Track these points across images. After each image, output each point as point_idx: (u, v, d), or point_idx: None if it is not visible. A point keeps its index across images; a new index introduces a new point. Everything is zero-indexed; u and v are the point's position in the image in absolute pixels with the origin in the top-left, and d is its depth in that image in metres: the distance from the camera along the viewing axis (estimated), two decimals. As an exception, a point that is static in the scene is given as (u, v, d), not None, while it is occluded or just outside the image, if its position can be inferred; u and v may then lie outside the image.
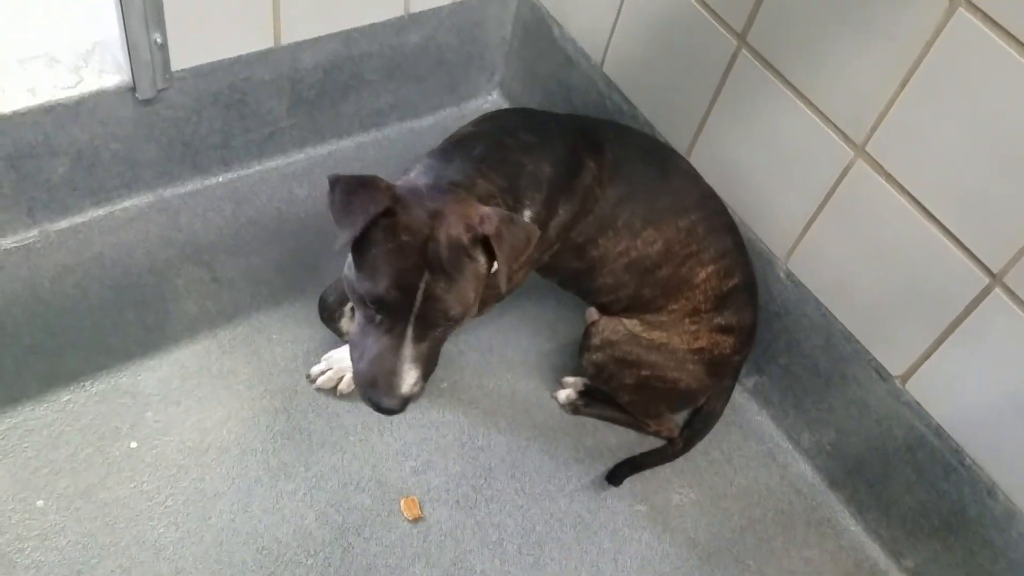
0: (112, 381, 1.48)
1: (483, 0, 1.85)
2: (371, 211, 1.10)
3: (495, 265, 1.17)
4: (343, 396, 1.54)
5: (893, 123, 1.29)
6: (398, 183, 1.23)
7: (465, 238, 1.14)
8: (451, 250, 1.13)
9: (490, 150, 1.32)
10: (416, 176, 1.27)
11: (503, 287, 1.16)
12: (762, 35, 1.43)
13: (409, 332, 1.15)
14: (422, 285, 1.12)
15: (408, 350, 1.16)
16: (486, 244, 1.16)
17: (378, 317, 1.16)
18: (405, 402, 1.18)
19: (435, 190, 1.20)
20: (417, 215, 1.13)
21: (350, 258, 1.18)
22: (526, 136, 1.36)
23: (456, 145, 1.34)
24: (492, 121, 1.43)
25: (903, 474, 1.48)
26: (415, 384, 1.18)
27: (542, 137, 1.37)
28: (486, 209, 1.16)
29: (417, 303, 1.13)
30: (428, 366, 1.20)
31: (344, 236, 1.12)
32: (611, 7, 1.68)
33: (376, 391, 1.16)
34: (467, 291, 1.16)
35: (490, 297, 1.35)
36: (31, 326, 1.51)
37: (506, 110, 1.56)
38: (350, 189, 1.14)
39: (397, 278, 1.12)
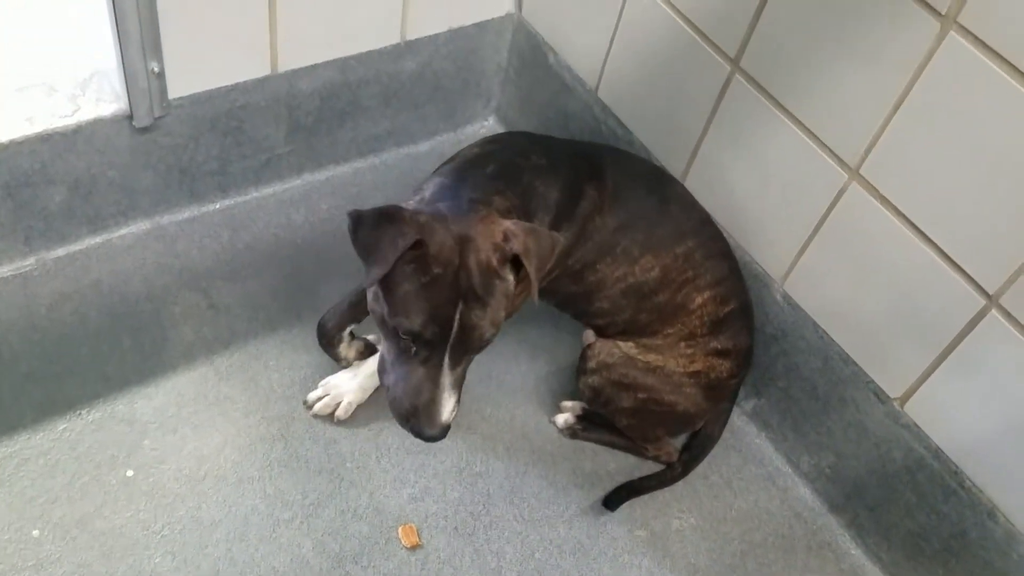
0: (108, 409, 1.47)
1: (479, 27, 1.87)
2: (400, 245, 1.09)
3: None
4: (340, 422, 1.53)
5: (887, 146, 1.30)
6: (411, 203, 1.23)
7: (495, 260, 1.14)
8: (483, 276, 1.13)
9: (504, 169, 1.32)
10: (432, 196, 1.26)
11: (535, 298, 1.17)
12: (755, 60, 1.44)
13: (446, 361, 1.15)
14: (457, 316, 1.12)
15: (446, 379, 1.16)
16: (514, 261, 1.16)
17: (412, 348, 1.16)
18: (446, 430, 1.19)
19: (456, 210, 1.20)
20: (445, 243, 1.12)
21: (375, 288, 1.17)
22: (537, 159, 1.37)
23: (468, 164, 1.34)
24: (499, 143, 1.43)
25: (903, 497, 1.47)
26: (453, 409, 1.19)
27: (551, 161, 1.38)
28: (509, 224, 1.16)
29: (454, 334, 1.13)
30: (462, 383, 1.21)
31: (375, 273, 1.10)
32: (605, 34, 1.69)
33: (418, 422, 1.18)
34: (499, 312, 1.16)
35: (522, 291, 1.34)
36: (28, 354, 1.50)
37: (510, 133, 1.57)
38: (375, 223, 1.12)
39: (433, 313, 1.12)
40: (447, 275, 1.11)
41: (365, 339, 1.58)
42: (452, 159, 1.40)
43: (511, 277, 1.18)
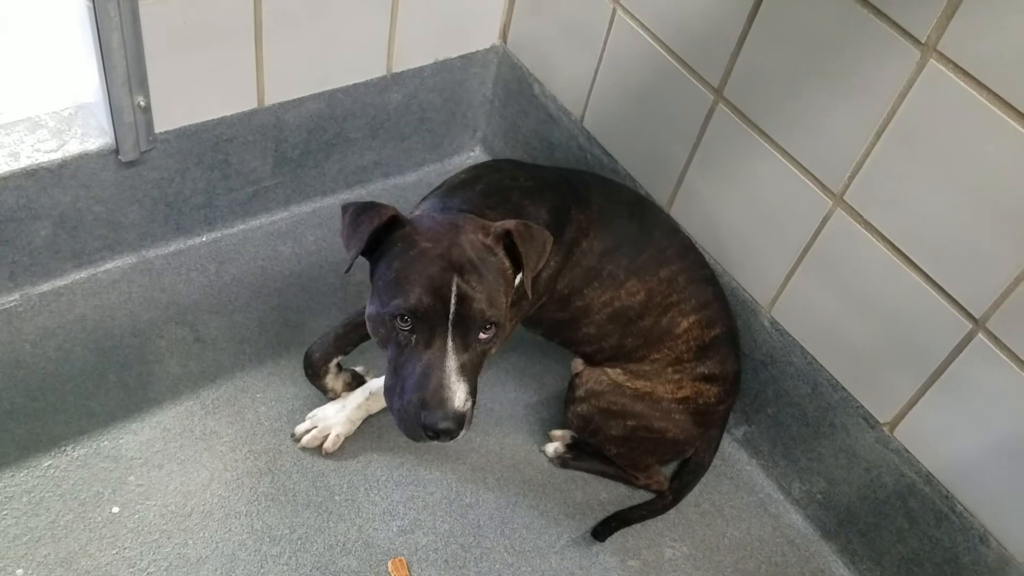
0: (94, 445, 1.46)
1: (465, 59, 1.88)
2: (374, 222, 1.11)
3: (518, 279, 1.18)
4: (328, 455, 1.52)
5: (870, 172, 1.31)
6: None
7: (487, 238, 1.15)
8: (475, 249, 1.13)
9: (493, 189, 1.33)
10: (423, 211, 1.28)
11: (529, 292, 1.16)
12: (738, 89, 1.45)
13: (449, 343, 1.10)
14: (454, 287, 1.09)
15: (452, 361, 1.10)
16: (507, 251, 1.17)
17: (413, 338, 1.11)
18: (461, 420, 1.10)
19: (447, 214, 1.22)
20: (433, 228, 1.14)
21: (370, 301, 1.17)
22: (525, 181, 1.38)
23: (458, 186, 1.35)
24: (486, 167, 1.45)
25: (895, 522, 1.47)
26: (466, 400, 1.11)
27: (538, 184, 1.39)
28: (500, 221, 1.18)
29: (452, 307, 1.09)
30: (474, 383, 1.14)
31: (352, 252, 1.12)
32: (590, 64, 1.71)
33: (428, 413, 1.08)
34: (497, 290, 1.13)
35: (512, 316, 1.32)
36: (12, 390, 1.49)
37: (495, 159, 1.58)
38: (357, 211, 1.15)
39: (427, 284, 1.09)
40: (437, 248, 1.11)
41: (352, 370, 1.57)
42: (440, 186, 1.41)
43: (507, 260, 1.17)
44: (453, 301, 1.10)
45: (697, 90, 1.51)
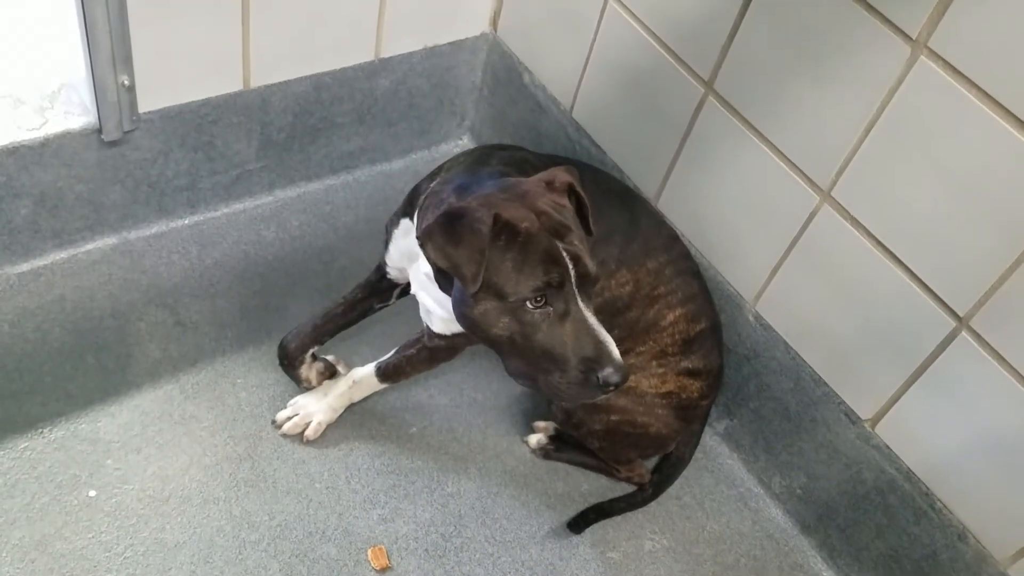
0: (71, 428, 1.44)
1: (454, 46, 1.87)
2: (484, 232, 1.07)
3: None
4: (310, 443, 1.51)
5: (858, 169, 1.31)
6: (450, 199, 1.18)
7: (555, 195, 1.15)
8: (556, 209, 1.13)
9: (510, 162, 1.31)
10: (458, 186, 1.20)
11: (593, 229, 1.18)
12: (728, 83, 1.45)
13: (581, 304, 1.12)
14: (564, 253, 1.10)
15: (593, 319, 1.13)
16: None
17: (549, 311, 1.10)
18: (626, 369, 1.13)
19: (492, 179, 1.19)
20: (512, 203, 1.12)
21: (470, 302, 1.12)
22: (533, 158, 1.38)
23: (475, 163, 1.31)
24: (488, 147, 1.43)
25: (874, 518, 1.47)
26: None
27: (544, 159, 1.39)
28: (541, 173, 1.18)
29: (572, 271, 1.11)
30: None
31: (471, 271, 1.07)
32: (580, 54, 1.70)
33: (602, 370, 1.11)
34: (585, 242, 1.15)
35: None
36: (-12, 371, 1.47)
37: (490, 143, 1.56)
38: (446, 229, 1.09)
39: (548, 257, 1.09)
40: (533, 224, 1.10)
41: (325, 359, 1.56)
42: (442, 168, 1.35)
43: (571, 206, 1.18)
44: (570, 265, 1.11)
45: (687, 82, 1.51)
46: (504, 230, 1.09)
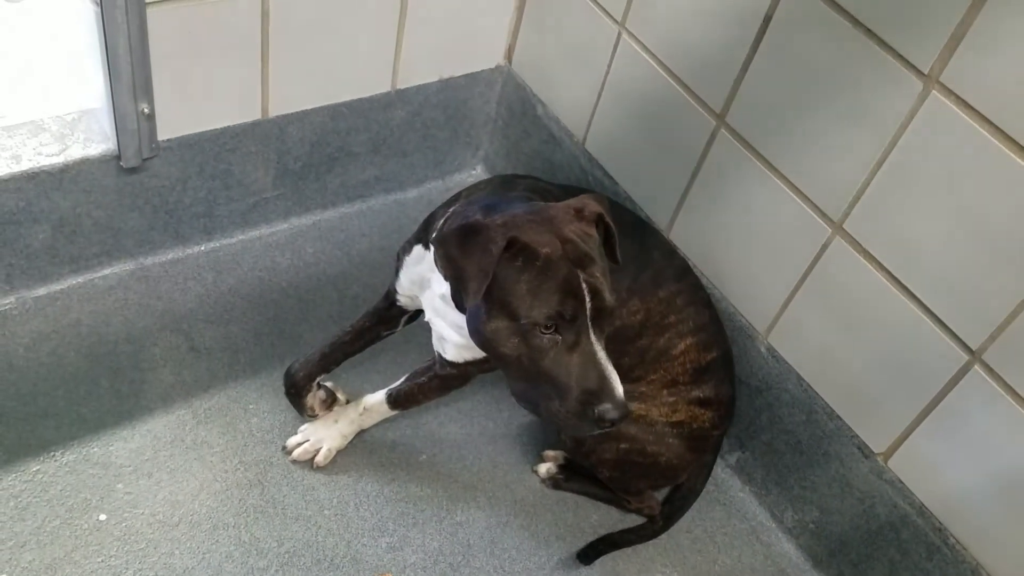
0: (83, 451, 1.45)
1: (469, 78, 1.89)
2: (494, 250, 1.07)
3: None
4: (319, 469, 1.51)
5: (870, 202, 1.31)
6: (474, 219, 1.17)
7: (583, 224, 1.14)
8: (581, 238, 1.12)
9: (534, 192, 1.31)
10: (481, 208, 1.20)
11: (619, 258, 1.18)
12: (740, 116, 1.46)
13: (592, 336, 1.11)
14: (583, 284, 1.10)
15: (602, 353, 1.12)
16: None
17: (558, 339, 1.10)
18: (627, 407, 1.12)
19: (519, 204, 1.18)
20: (536, 229, 1.11)
21: (482, 319, 1.12)
22: (553, 188, 1.38)
23: (499, 187, 1.32)
24: (509, 175, 1.44)
25: (887, 554, 1.46)
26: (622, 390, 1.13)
27: (563, 190, 1.39)
28: (571, 201, 1.17)
29: (588, 303, 1.10)
30: None
31: (474, 285, 1.08)
32: (593, 87, 1.72)
33: (600, 404, 1.10)
34: (607, 273, 1.14)
35: None
36: (3, 394, 1.48)
37: (508, 174, 1.57)
38: (460, 241, 1.10)
39: (565, 286, 1.09)
40: (555, 251, 1.10)
41: (325, 387, 1.56)
42: (461, 195, 1.36)
43: (599, 236, 1.18)
44: (587, 297, 1.10)
45: (699, 115, 1.52)
46: (522, 252, 1.09)
